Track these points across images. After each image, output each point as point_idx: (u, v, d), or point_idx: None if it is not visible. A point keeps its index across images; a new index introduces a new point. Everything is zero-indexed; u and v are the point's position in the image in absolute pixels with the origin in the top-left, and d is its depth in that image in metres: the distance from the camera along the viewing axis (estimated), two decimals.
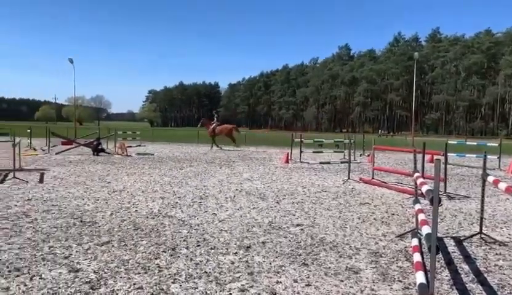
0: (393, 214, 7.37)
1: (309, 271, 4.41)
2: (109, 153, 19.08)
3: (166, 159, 17.77)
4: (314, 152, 19.98)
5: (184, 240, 5.42)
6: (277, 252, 5.02)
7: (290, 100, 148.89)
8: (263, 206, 7.89)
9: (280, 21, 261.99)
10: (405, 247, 5.34)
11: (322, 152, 20.77)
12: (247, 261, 4.66)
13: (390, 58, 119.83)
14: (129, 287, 3.84)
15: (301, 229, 6.17)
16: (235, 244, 5.31)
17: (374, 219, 7.00)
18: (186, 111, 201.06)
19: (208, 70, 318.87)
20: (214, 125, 24.35)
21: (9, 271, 4.20)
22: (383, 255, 5.01)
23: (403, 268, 4.55)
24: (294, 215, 7.15)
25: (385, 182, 11.29)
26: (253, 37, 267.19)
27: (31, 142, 22.00)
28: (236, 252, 4.95)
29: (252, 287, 3.95)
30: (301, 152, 17.73)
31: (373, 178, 11.70)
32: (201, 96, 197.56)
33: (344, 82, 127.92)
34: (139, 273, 4.20)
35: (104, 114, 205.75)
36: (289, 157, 17.56)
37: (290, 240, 5.55)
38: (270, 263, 4.60)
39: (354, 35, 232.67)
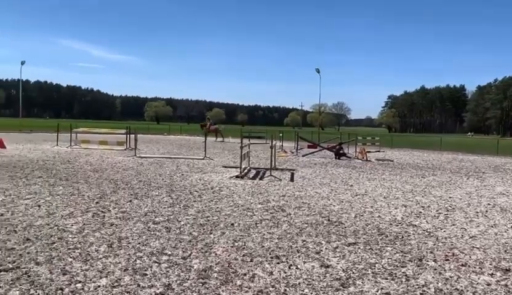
0: None
1: None
2: (349, 158, 19.74)
3: (406, 166, 17.28)
4: None
5: (431, 252, 5.22)
6: None
7: None
8: None
9: None
10: None
11: None
12: (506, 285, 4.17)
13: None
14: (377, 291, 3.94)
15: None
16: (490, 264, 4.81)
17: None
18: (426, 116, 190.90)
19: (454, 73, 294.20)
20: (209, 124, 33.41)
21: (271, 257, 4.84)
22: None
23: None
24: None
25: None
26: (507, 32, 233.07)
27: (282, 145, 24.66)
28: (492, 274, 4.49)
29: None
30: None
31: None
32: (444, 100, 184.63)
33: None
34: (386, 279, 4.26)
35: (344, 119, 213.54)
36: None
37: None
38: None
39: None
